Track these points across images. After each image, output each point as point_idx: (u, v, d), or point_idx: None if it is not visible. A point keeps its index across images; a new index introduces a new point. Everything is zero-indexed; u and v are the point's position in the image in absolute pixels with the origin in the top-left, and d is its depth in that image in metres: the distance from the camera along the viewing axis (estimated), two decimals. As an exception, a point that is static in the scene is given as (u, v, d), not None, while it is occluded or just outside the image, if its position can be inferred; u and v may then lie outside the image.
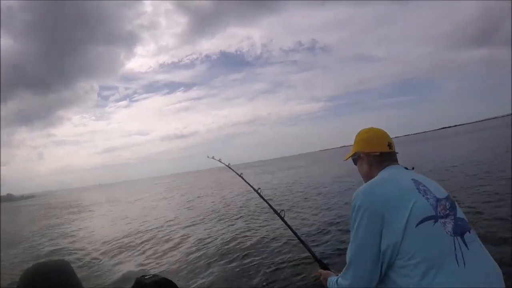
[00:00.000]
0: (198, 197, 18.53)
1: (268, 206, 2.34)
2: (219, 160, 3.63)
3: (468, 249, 1.07)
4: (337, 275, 1.30)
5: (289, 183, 18.49)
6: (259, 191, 2.55)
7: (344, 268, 1.21)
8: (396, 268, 1.08)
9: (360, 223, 1.14)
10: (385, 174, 1.28)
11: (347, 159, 1.52)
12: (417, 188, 1.16)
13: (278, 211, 2.12)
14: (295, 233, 1.98)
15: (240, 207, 11.65)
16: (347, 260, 1.19)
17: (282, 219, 2.05)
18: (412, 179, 1.20)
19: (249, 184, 2.83)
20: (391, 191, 1.15)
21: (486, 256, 1.11)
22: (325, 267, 1.61)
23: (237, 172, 3.07)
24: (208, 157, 3.88)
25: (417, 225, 1.07)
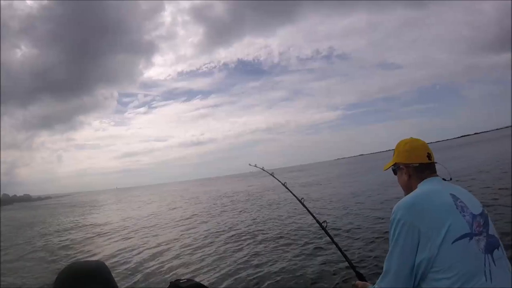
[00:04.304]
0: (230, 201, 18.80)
1: (311, 215, 2.38)
2: (262, 168, 3.63)
3: (495, 265, 1.14)
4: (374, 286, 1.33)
5: (320, 191, 18.00)
6: (302, 201, 2.56)
7: (380, 278, 1.26)
8: (428, 281, 1.16)
9: (399, 236, 1.19)
10: (424, 188, 1.31)
11: (386, 169, 1.54)
12: (455, 204, 1.21)
13: (321, 222, 2.16)
14: (336, 244, 2.05)
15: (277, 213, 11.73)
16: (384, 270, 1.25)
17: (325, 229, 2.10)
18: (451, 194, 1.24)
19: (293, 193, 2.84)
20: (430, 207, 1.20)
21: (510, 272, 1.17)
22: (362, 278, 1.64)
23: (281, 181, 3.09)
24: (250, 164, 3.87)
25: (453, 242, 1.13)
